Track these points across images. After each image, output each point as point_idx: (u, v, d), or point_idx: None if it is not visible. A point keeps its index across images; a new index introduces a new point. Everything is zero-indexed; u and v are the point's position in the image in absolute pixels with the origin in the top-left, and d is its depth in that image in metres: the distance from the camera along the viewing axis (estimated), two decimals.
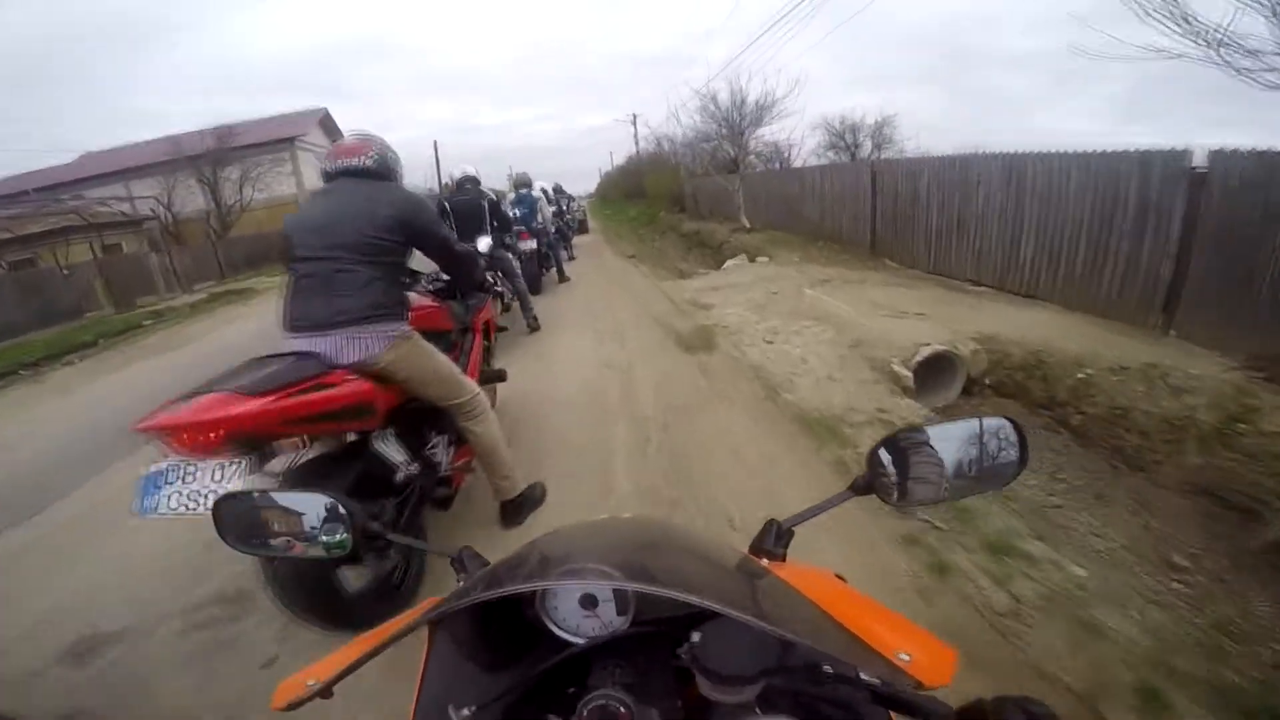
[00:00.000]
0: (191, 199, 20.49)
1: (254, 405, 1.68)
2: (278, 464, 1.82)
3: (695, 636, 0.57)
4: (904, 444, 0.87)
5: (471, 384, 2.49)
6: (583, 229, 17.62)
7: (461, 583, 0.81)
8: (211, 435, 1.61)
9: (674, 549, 0.81)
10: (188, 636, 2.31)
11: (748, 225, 12.55)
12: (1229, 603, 2.66)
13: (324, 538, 0.86)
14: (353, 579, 2.07)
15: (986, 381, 4.47)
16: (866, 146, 20.10)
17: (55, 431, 5.26)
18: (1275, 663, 2.21)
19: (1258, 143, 4.33)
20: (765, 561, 0.81)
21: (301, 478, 1.85)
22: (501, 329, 3.71)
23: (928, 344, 4.38)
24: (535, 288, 8.17)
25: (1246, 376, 3.70)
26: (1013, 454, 0.87)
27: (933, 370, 4.36)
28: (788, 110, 13.19)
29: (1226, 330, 4.38)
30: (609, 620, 0.65)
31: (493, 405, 3.72)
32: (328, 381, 1.94)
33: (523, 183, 8.35)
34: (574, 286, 9.13)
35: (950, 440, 0.86)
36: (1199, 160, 4.66)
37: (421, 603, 0.77)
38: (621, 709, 0.54)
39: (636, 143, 30.39)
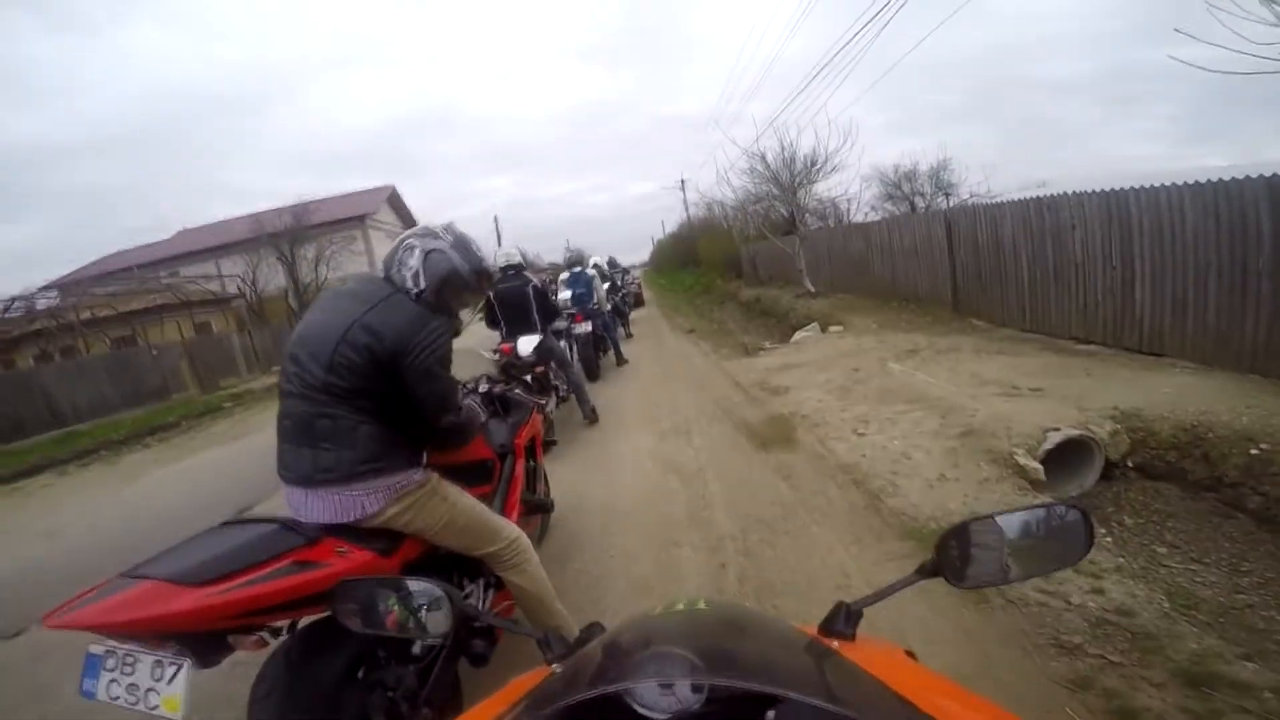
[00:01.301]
0: (274, 276, 21.66)
1: (189, 600, 1.39)
2: (242, 654, 1.57)
3: (770, 715, 0.61)
4: (972, 531, 0.94)
5: (508, 527, 2.11)
6: (639, 302, 17.56)
7: (547, 661, 0.90)
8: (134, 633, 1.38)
9: (748, 634, 0.87)
10: None
11: (812, 289, 12.19)
12: None
13: (428, 623, 1.03)
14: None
15: (1130, 464, 3.88)
16: (926, 193, 19.64)
17: (104, 523, 5.46)
18: None
19: None
20: (836, 643, 0.85)
21: (288, 657, 1.60)
22: (550, 443, 3.41)
23: (1056, 428, 3.85)
24: (593, 374, 7.99)
25: None
26: (1079, 539, 0.92)
27: (1063, 457, 3.82)
28: (842, 164, 13.00)
29: None
30: (684, 698, 0.65)
31: (541, 536, 3.34)
32: (307, 559, 1.62)
33: (575, 261, 8.29)
34: (632, 370, 8.87)
35: (1016, 526, 0.94)
36: None
37: (516, 680, 0.87)
38: None
39: (686, 208, 30.81)
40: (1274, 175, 4.56)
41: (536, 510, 3.03)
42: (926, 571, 0.95)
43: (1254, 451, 3.52)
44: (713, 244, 22.62)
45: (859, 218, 16.38)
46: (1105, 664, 2.15)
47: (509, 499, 2.54)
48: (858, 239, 11.88)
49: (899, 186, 19.88)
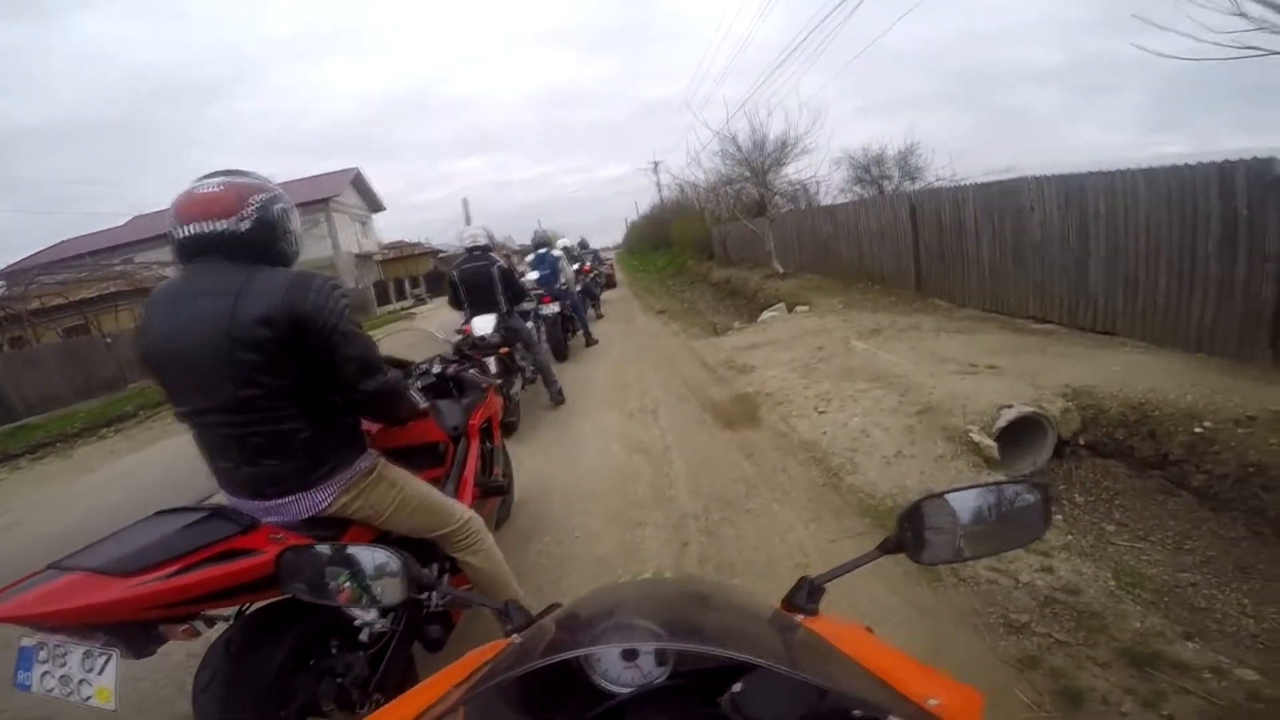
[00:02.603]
0: None
1: (115, 591, 1.32)
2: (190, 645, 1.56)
3: (737, 687, 0.61)
4: (931, 508, 0.94)
5: (460, 510, 2.01)
6: (610, 284, 17.42)
7: (506, 632, 0.87)
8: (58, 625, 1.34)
9: (713, 605, 0.88)
10: None
11: (781, 270, 12.17)
12: None
13: (382, 591, 0.96)
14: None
15: (1081, 442, 3.90)
16: (894, 177, 19.65)
17: (59, 515, 5.33)
18: None
19: None
20: (799, 617, 0.85)
21: (228, 646, 1.54)
22: (510, 424, 3.28)
23: (1010, 405, 3.85)
24: (560, 354, 7.93)
25: None
26: (1036, 518, 0.93)
27: (1017, 431, 3.83)
28: (811, 146, 12.97)
29: None
30: (648, 671, 0.64)
31: (502, 518, 3.28)
32: (241, 546, 1.53)
33: (542, 242, 8.11)
34: (602, 350, 8.79)
35: (974, 504, 0.93)
36: None
37: (474, 652, 0.84)
38: None
39: (659, 190, 30.50)
40: (1224, 162, 4.55)
41: (493, 493, 2.93)
42: (888, 547, 0.94)
43: (1198, 430, 3.55)
44: (684, 226, 22.46)
45: (828, 200, 16.35)
46: (1052, 643, 2.16)
47: (462, 481, 2.44)
48: (825, 221, 11.82)
49: (867, 170, 19.85)
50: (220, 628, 1.62)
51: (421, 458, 2.20)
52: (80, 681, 1.35)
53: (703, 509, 3.48)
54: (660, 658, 0.67)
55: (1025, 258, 6.56)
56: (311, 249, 22.28)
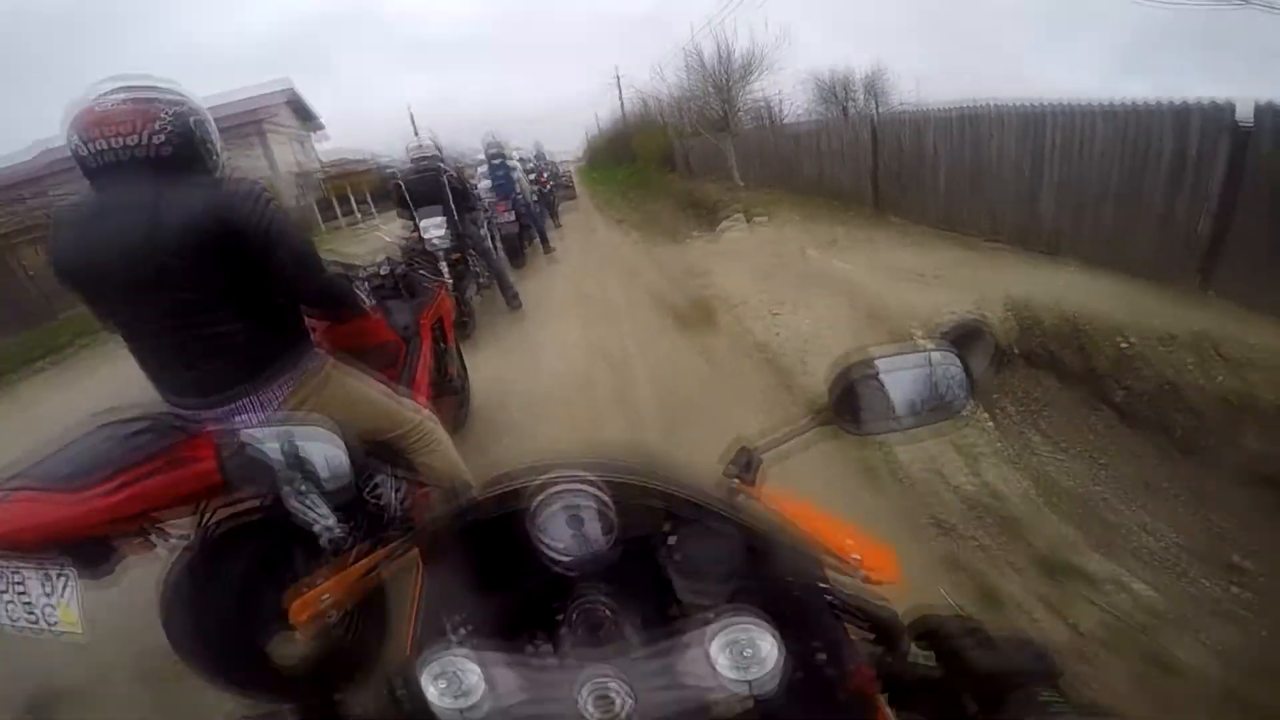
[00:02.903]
0: None
1: (63, 507, 1.27)
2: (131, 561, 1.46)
3: (672, 540, 0.65)
4: (860, 375, 0.92)
5: (413, 409, 1.98)
6: (569, 195, 16.97)
7: None
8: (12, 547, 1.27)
9: (654, 466, 0.81)
10: None
11: (742, 184, 12.03)
12: None
13: (325, 472, 0.89)
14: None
15: (1016, 351, 4.06)
16: (859, 100, 19.37)
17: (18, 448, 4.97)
18: None
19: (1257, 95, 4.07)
20: (736, 483, 0.89)
21: (190, 563, 1.50)
22: (462, 323, 3.20)
23: (953, 312, 3.97)
24: (518, 262, 7.81)
25: None
26: (960, 386, 0.94)
27: (960, 340, 3.95)
28: (776, 64, 12.64)
29: (1276, 291, 4.03)
30: (595, 538, 0.65)
31: (459, 424, 3.21)
32: (188, 454, 1.46)
33: (495, 151, 7.75)
34: (560, 258, 8.64)
35: (903, 371, 0.93)
36: (1242, 114, 4.25)
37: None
38: (606, 610, 0.62)
39: (621, 104, 29.23)
40: (1183, 104, 4.64)
41: (449, 393, 2.89)
42: (822, 419, 0.94)
43: (1123, 345, 3.72)
44: (647, 139, 21.81)
45: (791, 118, 16.06)
46: (975, 546, 2.29)
47: (415, 381, 2.40)
48: (788, 140, 11.74)
49: (834, 92, 19.53)
50: (181, 547, 1.56)
51: (373, 358, 2.13)
52: (45, 607, 1.30)
53: (661, 410, 3.52)
54: (605, 525, 0.67)
55: (981, 181, 6.64)
56: (248, 170, 20.81)
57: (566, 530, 0.68)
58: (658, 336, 4.79)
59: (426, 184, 5.15)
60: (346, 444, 0.92)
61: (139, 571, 1.49)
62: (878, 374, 0.93)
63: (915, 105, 12.04)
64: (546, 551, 0.67)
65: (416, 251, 3.68)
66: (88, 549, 1.36)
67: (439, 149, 5.46)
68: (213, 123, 1.61)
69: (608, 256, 8.52)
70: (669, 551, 0.63)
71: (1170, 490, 3.13)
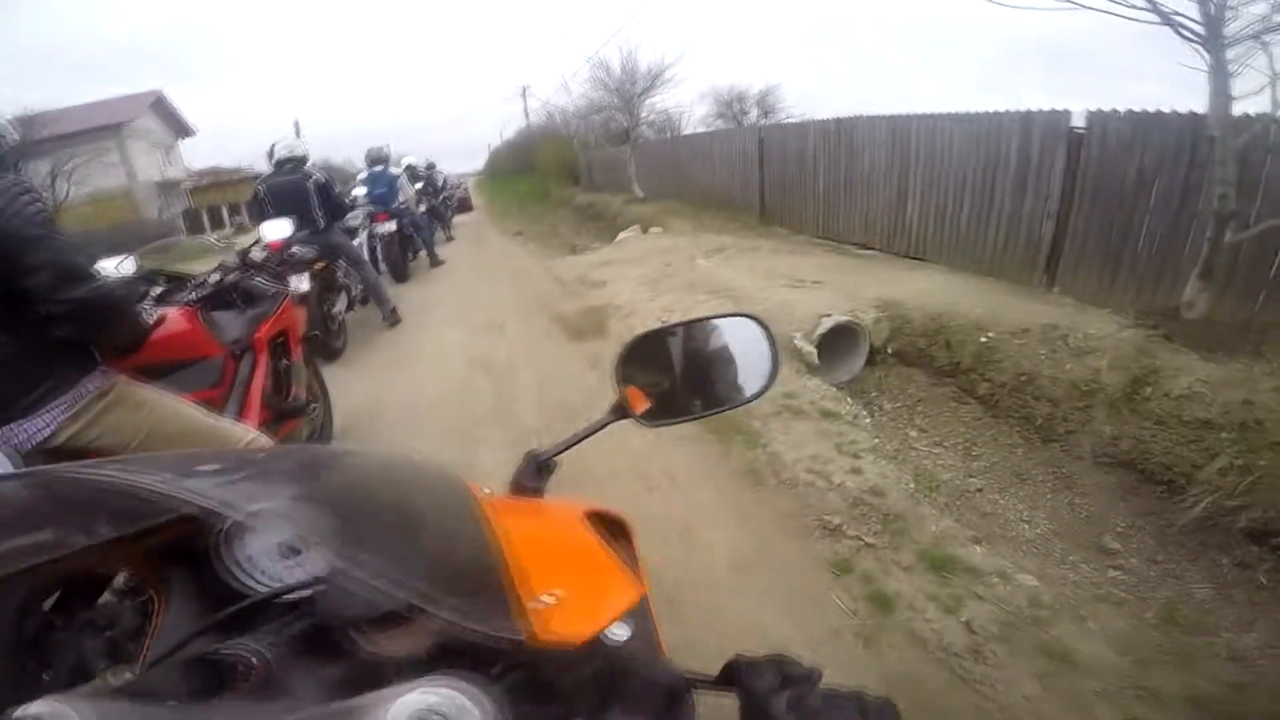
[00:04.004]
0: None
1: None
2: None
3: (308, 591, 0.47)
4: (647, 356, 0.84)
5: (241, 432, 1.72)
6: (464, 207, 16.41)
7: None
8: None
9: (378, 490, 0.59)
10: None
11: (641, 195, 11.95)
12: (1168, 587, 2.36)
13: None
14: None
15: (890, 350, 4.09)
16: (753, 115, 19.88)
17: None
18: (1230, 654, 1.91)
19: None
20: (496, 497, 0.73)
21: None
22: (332, 348, 2.84)
23: (829, 315, 3.94)
24: (400, 275, 7.32)
25: (1144, 335, 3.47)
26: (764, 355, 0.83)
27: (836, 341, 3.93)
28: (678, 78, 12.73)
29: (1108, 286, 4.26)
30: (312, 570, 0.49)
31: (314, 443, 2.80)
32: None
33: (377, 159, 7.22)
34: (449, 270, 8.17)
35: (696, 348, 0.85)
36: (1078, 121, 4.48)
37: None
38: (255, 662, 0.42)
39: (526, 115, 28.76)
40: (1027, 111, 4.87)
41: (291, 415, 2.53)
42: (616, 412, 0.83)
43: (983, 340, 3.80)
44: (550, 151, 21.41)
45: (690, 131, 16.21)
46: (862, 545, 2.19)
47: (246, 401, 2.10)
48: (684, 149, 11.76)
49: (730, 106, 19.97)
50: None
51: (189, 376, 1.90)
52: None
53: (545, 422, 3.30)
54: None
55: (855, 190, 6.80)
56: (101, 179, 18.89)
57: (279, 561, 0.53)
58: (545, 344, 4.55)
59: (291, 190, 4.64)
60: None
61: None
62: (668, 351, 0.84)
63: (800, 117, 12.40)
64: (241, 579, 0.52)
65: (256, 260, 3.28)
66: None
67: (304, 152, 4.92)
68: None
69: (501, 267, 8.17)
70: (311, 599, 0.46)
71: (1038, 477, 3.18)
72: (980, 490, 3.01)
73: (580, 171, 18.40)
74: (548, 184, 19.50)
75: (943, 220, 5.65)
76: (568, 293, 6.01)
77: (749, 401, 0.87)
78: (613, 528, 0.72)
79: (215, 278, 2.37)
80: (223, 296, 2.33)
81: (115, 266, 2.28)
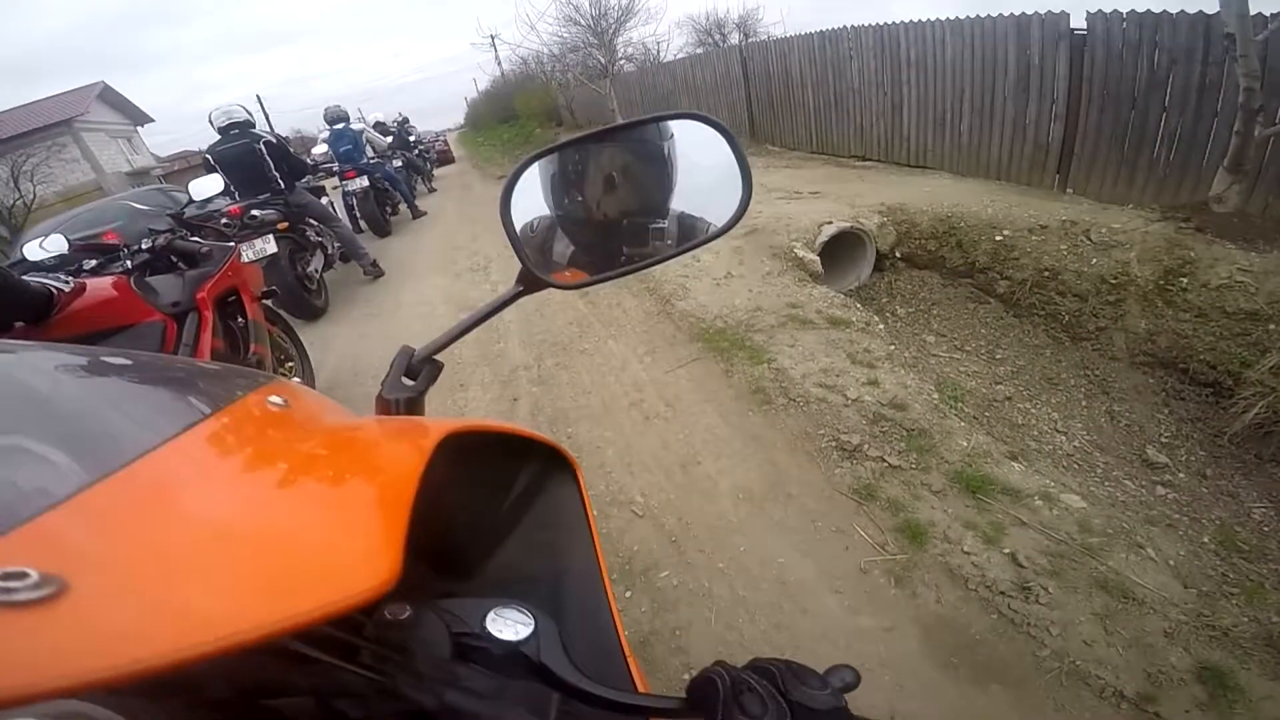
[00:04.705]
0: None
1: None
2: None
3: None
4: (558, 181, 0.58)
5: None
6: (445, 160, 15.77)
7: None
8: None
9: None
10: None
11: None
12: (1223, 506, 2.08)
13: None
14: None
15: (897, 255, 3.75)
16: (734, 39, 18.90)
17: None
18: None
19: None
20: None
21: None
22: (268, 294, 2.56)
23: (829, 222, 3.58)
24: (381, 230, 6.96)
25: (1174, 228, 3.13)
26: (728, 177, 0.59)
27: (840, 251, 3.59)
28: (652, 8, 12.02)
29: (1126, 185, 3.93)
30: None
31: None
32: None
33: (336, 118, 6.68)
34: (431, 221, 7.71)
35: (626, 166, 0.60)
36: (1077, 23, 4.15)
37: None
38: None
39: (499, 65, 27.29)
40: (1021, 14, 4.52)
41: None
42: (527, 280, 0.60)
43: (998, 238, 3.47)
44: (529, 97, 20.49)
45: (670, 59, 15.40)
46: (886, 468, 1.88)
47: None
48: (665, 77, 11.16)
49: (709, 34, 19.01)
50: None
51: (125, 342, 1.79)
52: None
53: (534, 358, 3.00)
54: None
55: (846, 103, 6.37)
56: (67, 175, 17.91)
57: None
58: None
59: (242, 156, 4.28)
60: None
61: None
62: (589, 178, 0.60)
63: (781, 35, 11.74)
64: None
65: (192, 219, 2.97)
66: None
67: (249, 115, 4.52)
68: None
69: (485, 212, 7.67)
70: None
71: (1070, 382, 2.90)
72: (1010, 399, 2.71)
73: (561, 111, 17.67)
74: (531, 128, 18.77)
75: (942, 127, 5.25)
76: None
77: (717, 236, 0.63)
78: (547, 464, 0.53)
79: (147, 244, 2.27)
80: (163, 260, 2.27)
81: (40, 244, 2.24)
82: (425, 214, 8.04)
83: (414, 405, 0.57)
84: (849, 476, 1.88)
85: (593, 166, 0.62)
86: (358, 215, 6.69)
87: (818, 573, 1.56)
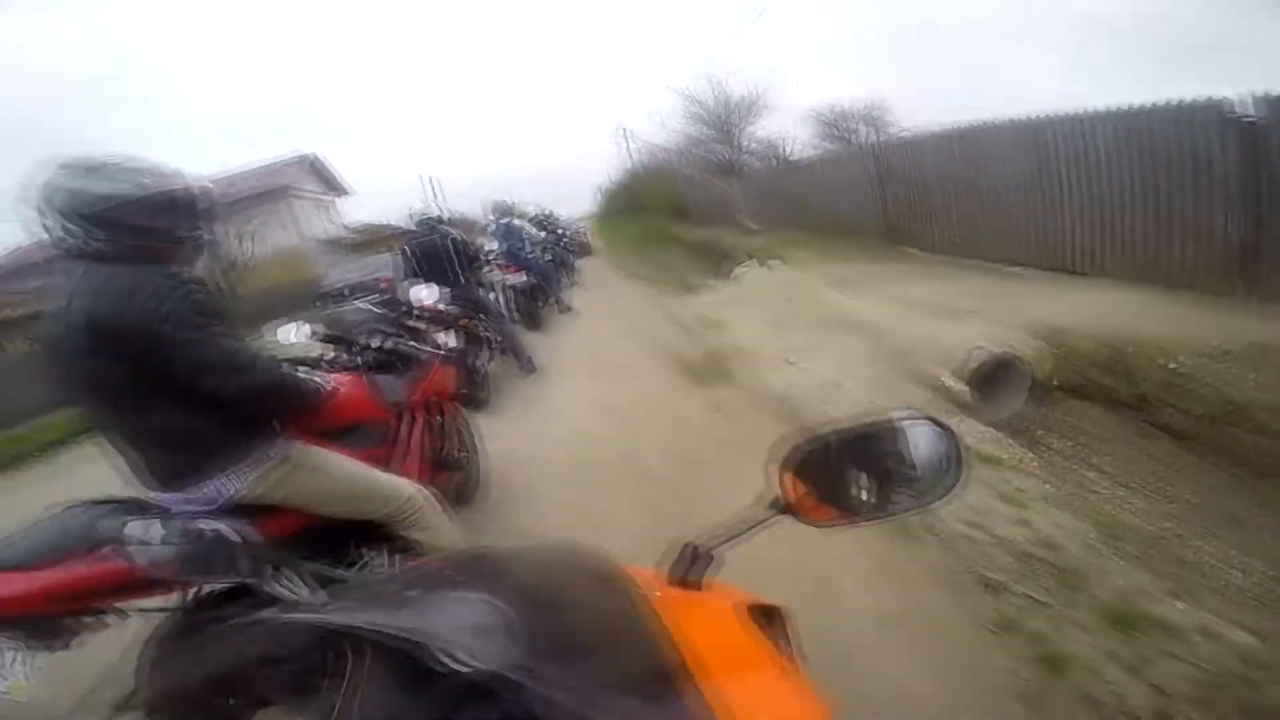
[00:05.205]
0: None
1: (7, 587, 1.25)
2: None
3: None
4: (814, 454, 0.74)
5: (403, 487, 1.81)
6: (585, 251, 16.82)
7: None
8: None
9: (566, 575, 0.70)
10: None
11: (754, 227, 11.80)
12: None
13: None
14: None
15: (1055, 384, 3.63)
16: (861, 132, 19.17)
17: None
18: None
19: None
20: (660, 589, 0.67)
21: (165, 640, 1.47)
22: (478, 398, 2.93)
23: (980, 346, 3.56)
24: (534, 324, 7.42)
25: None
26: (946, 460, 0.74)
27: (992, 377, 3.55)
28: (773, 104, 12.59)
29: None
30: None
31: (468, 493, 2.93)
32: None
33: (503, 211, 7.50)
34: (576, 316, 8.27)
35: (869, 447, 0.75)
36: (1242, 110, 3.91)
37: None
38: None
39: (630, 156, 29.46)
40: (1181, 103, 4.32)
41: (449, 467, 2.67)
42: (780, 507, 0.76)
43: (1172, 366, 3.29)
44: (656, 190, 21.83)
45: (796, 156, 15.89)
46: (1031, 604, 1.90)
47: (408, 457, 2.22)
48: (793, 177, 11.45)
49: (835, 126, 19.44)
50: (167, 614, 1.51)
51: (360, 437, 1.98)
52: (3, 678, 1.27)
53: (670, 471, 3.16)
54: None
55: (993, 203, 6.24)
56: (276, 238, 20.47)
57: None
58: (671, 395, 4.43)
59: (429, 249, 4.94)
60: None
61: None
62: (836, 453, 0.75)
63: (913, 130, 11.79)
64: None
65: (409, 318, 3.47)
66: (39, 626, 1.33)
67: (442, 214, 5.28)
68: (164, 193, 1.41)
69: (623, 310, 8.23)
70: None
71: (1255, 520, 2.67)
72: (1179, 536, 2.55)
73: (688, 207, 18.53)
74: (658, 222, 19.83)
75: (1104, 228, 5.03)
76: (687, 334, 5.93)
77: (928, 506, 0.78)
78: (769, 616, 0.70)
79: (375, 342, 2.52)
80: (381, 360, 2.48)
81: (292, 334, 2.62)
82: (571, 308, 8.47)
83: (698, 586, 0.73)
84: (989, 611, 1.90)
85: (839, 442, 0.77)
86: (514, 309, 7.07)
87: (941, 692, 1.62)
